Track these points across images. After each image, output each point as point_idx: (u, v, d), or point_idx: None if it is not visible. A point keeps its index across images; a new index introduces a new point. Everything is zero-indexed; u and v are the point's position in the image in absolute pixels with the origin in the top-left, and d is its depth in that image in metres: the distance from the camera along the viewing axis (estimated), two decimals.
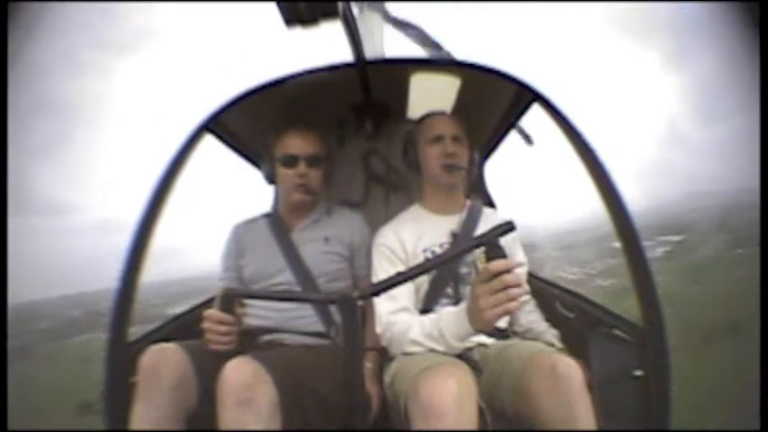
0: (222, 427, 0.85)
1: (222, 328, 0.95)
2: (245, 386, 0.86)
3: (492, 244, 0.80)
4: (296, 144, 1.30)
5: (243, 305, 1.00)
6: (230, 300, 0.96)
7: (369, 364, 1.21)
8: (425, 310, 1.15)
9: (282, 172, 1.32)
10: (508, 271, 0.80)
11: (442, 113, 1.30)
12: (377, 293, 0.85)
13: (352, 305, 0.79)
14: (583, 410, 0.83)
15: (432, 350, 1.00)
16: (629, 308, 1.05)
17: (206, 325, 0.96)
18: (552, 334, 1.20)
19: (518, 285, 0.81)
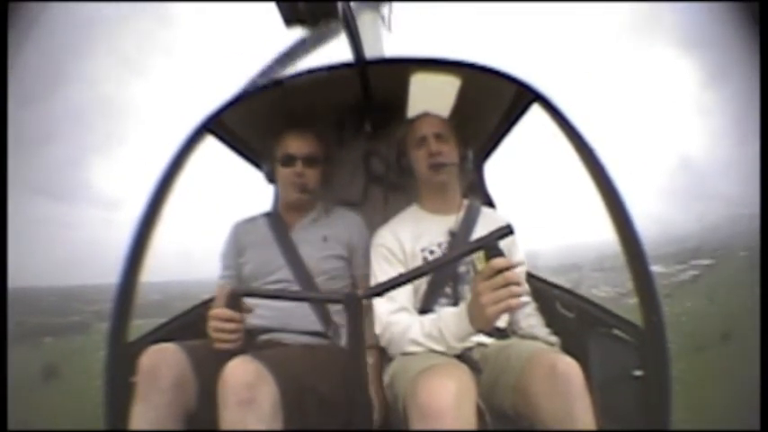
0: (223, 426, 0.85)
1: (230, 326, 0.94)
2: (247, 386, 0.86)
3: (491, 246, 0.81)
4: (294, 144, 1.32)
5: (248, 303, 1.00)
6: (237, 298, 0.96)
7: (369, 367, 1.21)
8: (424, 309, 1.15)
9: (281, 171, 1.33)
10: (509, 269, 0.81)
11: (425, 115, 1.31)
12: (381, 293, 0.85)
13: (357, 304, 0.79)
14: (582, 410, 0.82)
15: (431, 350, 1.00)
16: None
17: (213, 324, 0.95)
18: (553, 340, 1.20)
19: (519, 283, 0.82)
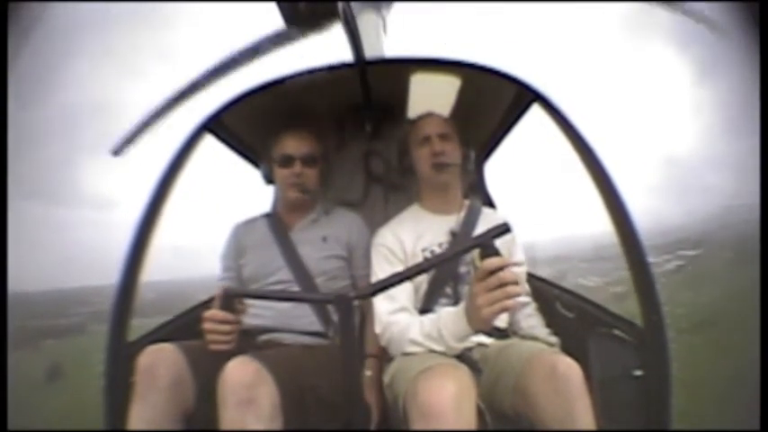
0: (223, 426, 0.85)
1: (225, 328, 0.94)
2: (247, 386, 0.86)
3: (486, 244, 0.81)
4: (291, 144, 1.31)
5: (243, 304, 1.00)
6: (230, 299, 0.96)
7: (369, 368, 1.21)
8: (425, 309, 1.14)
9: (279, 172, 1.33)
10: (503, 269, 0.80)
11: (428, 114, 1.31)
12: (374, 294, 0.85)
13: (348, 305, 0.79)
14: (582, 410, 0.82)
15: (431, 350, 1.00)
16: (632, 308, 1.07)
17: (207, 326, 0.94)
18: (553, 340, 1.20)
19: (515, 283, 0.81)
